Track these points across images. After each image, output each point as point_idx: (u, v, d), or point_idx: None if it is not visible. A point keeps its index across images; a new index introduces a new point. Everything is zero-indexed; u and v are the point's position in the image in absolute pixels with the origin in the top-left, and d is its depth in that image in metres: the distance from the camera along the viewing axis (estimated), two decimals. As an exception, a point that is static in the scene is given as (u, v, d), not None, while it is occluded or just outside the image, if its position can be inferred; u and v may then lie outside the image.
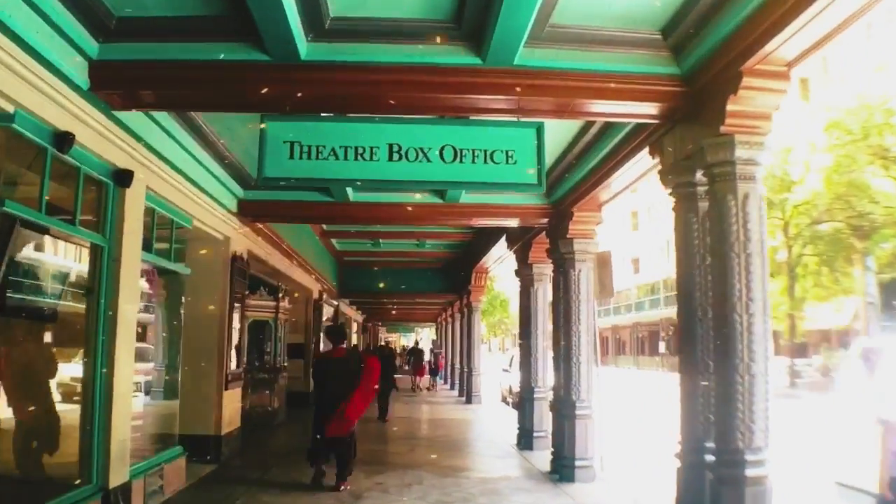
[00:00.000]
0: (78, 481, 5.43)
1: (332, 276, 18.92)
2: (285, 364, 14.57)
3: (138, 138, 5.91)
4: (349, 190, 9.19)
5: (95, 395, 5.55)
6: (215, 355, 9.03)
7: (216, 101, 5.69)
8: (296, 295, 15.95)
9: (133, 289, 6.10)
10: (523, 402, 11.17)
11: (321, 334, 17.11)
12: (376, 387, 8.85)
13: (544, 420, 10.56)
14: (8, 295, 7.51)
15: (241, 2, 4.26)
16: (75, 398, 5.90)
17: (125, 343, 5.86)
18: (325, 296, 18.30)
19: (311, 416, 8.38)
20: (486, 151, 5.58)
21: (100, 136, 5.30)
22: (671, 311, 46.17)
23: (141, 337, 6.93)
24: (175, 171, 6.95)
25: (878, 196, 24.03)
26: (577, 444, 8.51)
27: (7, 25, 3.95)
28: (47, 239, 10.43)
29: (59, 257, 13.30)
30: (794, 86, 4.63)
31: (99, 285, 5.66)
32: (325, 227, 14.51)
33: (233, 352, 9.59)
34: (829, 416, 14.22)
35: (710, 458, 4.91)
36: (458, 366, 23.98)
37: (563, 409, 8.68)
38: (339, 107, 5.57)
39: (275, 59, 4.88)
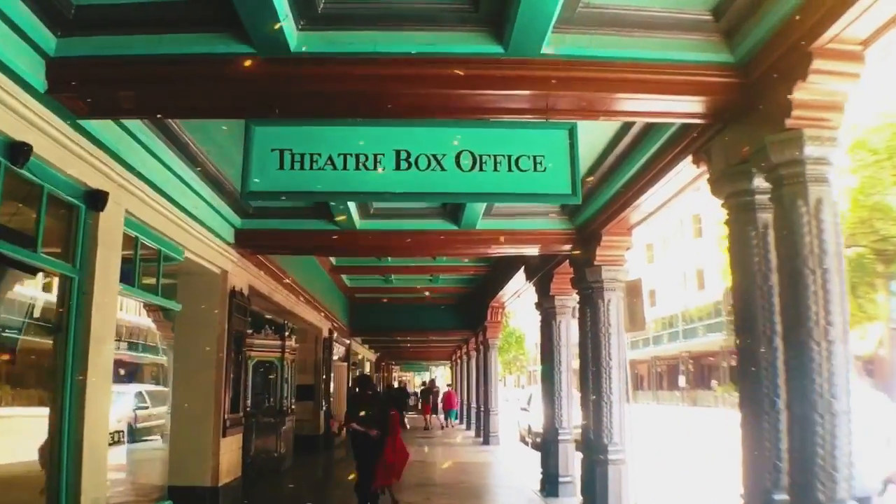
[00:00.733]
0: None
1: (343, 313, 18.62)
2: (293, 406, 14.50)
3: (113, 154, 5.33)
4: (355, 216, 8.58)
5: (62, 449, 4.96)
6: (212, 398, 8.45)
7: (193, 104, 5.04)
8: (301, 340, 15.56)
9: (108, 326, 5.55)
10: (547, 444, 10.59)
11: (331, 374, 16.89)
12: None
13: (570, 464, 10.15)
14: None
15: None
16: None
17: (99, 387, 5.27)
18: (335, 334, 18.11)
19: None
20: (509, 157, 4.88)
21: (65, 150, 4.74)
22: (690, 344, 46.15)
23: (157, 379, 6.41)
24: (160, 195, 6.38)
25: (903, 219, 23.55)
26: (609, 491, 7.91)
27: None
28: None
29: (24, 287, 12.51)
30: (869, 71, 3.98)
31: (68, 322, 5.09)
32: (334, 262, 14.12)
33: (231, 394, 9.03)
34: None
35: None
36: (474, 405, 23.70)
37: (594, 453, 8.11)
38: (336, 107, 4.84)
39: (260, 52, 4.27)
